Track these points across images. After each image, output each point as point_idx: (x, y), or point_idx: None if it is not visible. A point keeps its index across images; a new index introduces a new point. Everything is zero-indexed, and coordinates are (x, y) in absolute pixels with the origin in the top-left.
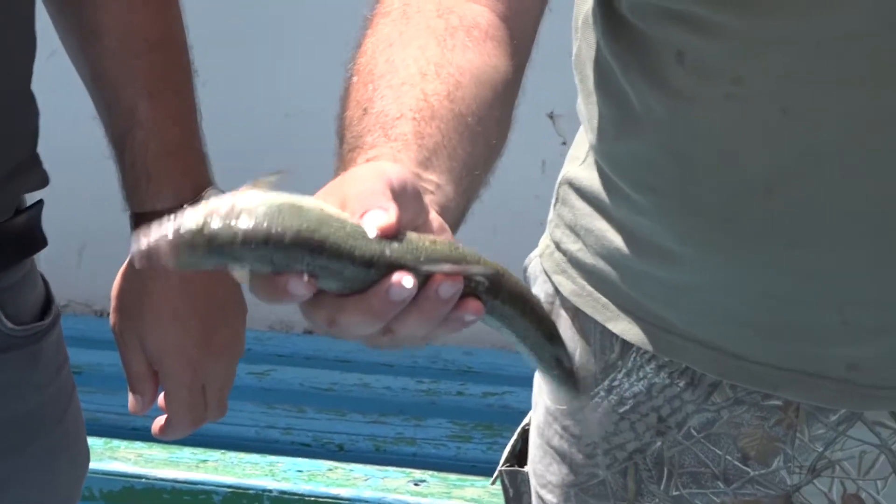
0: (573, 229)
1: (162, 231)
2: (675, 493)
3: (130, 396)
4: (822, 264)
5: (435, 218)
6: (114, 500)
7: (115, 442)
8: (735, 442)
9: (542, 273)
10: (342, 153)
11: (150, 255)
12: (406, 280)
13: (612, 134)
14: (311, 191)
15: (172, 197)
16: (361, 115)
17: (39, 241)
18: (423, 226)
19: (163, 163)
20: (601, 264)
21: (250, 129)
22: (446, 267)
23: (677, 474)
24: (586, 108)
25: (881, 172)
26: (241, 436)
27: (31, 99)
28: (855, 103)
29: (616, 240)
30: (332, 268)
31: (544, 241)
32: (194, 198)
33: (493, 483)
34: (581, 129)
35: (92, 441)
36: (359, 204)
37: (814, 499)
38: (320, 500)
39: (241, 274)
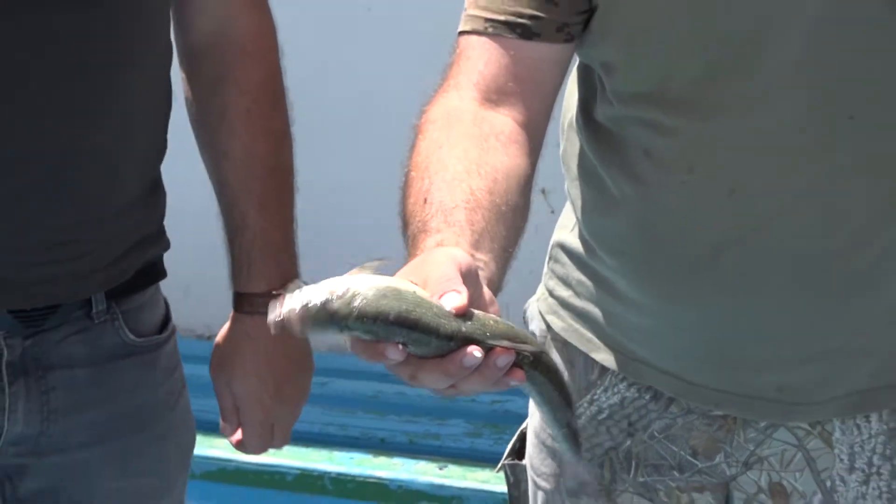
0: (565, 280)
1: (291, 305)
2: (641, 480)
3: (222, 422)
4: (759, 310)
5: (487, 292)
6: (210, 477)
7: (212, 435)
8: (687, 441)
9: (538, 314)
10: (411, 234)
11: (283, 324)
12: (477, 352)
13: (592, 212)
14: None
15: (264, 285)
16: (423, 204)
17: (160, 274)
18: (479, 298)
19: (262, 259)
20: (588, 307)
21: None
22: (505, 343)
23: (643, 466)
24: (571, 192)
25: (806, 237)
26: (307, 431)
27: (160, 186)
28: (788, 184)
29: (598, 290)
30: (421, 340)
31: (540, 289)
32: (281, 287)
33: (498, 471)
34: (568, 204)
35: (198, 434)
36: (438, 286)
37: (747, 486)
38: (368, 480)
39: (347, 339)
